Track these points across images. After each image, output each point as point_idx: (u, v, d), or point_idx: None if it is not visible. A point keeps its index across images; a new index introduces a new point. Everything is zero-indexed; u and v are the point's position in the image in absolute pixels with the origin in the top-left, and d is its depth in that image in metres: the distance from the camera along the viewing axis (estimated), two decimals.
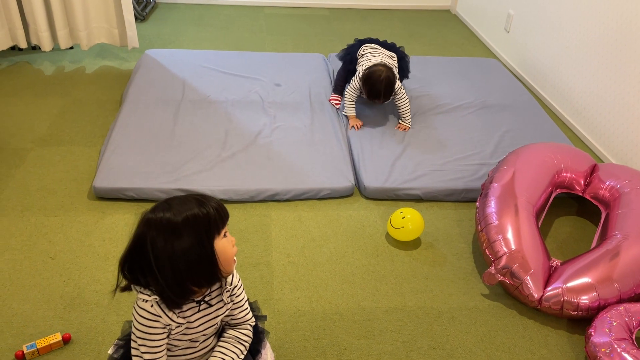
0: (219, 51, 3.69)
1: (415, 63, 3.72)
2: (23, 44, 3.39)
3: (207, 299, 1.32)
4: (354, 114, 2.91)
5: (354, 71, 2.98)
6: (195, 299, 1.30)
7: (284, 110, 2.98)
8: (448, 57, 3.93)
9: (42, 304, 1.83)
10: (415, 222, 2.17)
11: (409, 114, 2.87)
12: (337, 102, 3.07)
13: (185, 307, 1.28)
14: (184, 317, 1.28)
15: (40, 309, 1.81)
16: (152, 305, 1.22)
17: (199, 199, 1.22)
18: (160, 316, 1.23)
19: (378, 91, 2.74)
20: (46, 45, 3.38)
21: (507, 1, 3.94)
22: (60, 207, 2.28)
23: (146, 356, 1.26)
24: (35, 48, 3.62)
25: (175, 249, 1.17)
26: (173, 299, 1.22)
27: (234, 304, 1.39)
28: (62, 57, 3.59)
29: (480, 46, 4.32)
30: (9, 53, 3.57)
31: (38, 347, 1.63)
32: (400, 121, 2.90)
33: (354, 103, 2.91)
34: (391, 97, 2.82)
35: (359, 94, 2.91)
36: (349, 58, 3.06)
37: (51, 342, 1.65)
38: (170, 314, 1.25)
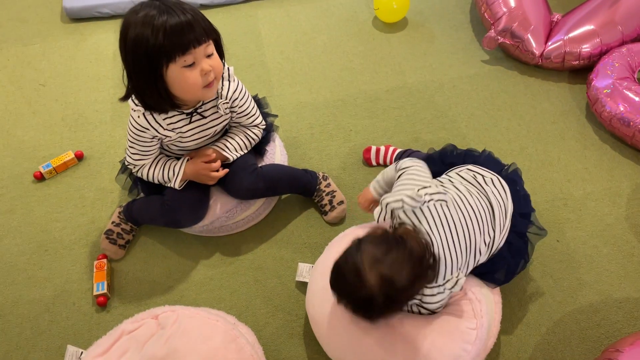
0: None
1: None
2: None
3: (199, 110, 1.29)
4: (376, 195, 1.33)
5: None
6: (185, 112, 1.27)
7: None
8: None
9: (46, 129, 1.83)
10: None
11: None
12: None
13: (175, 119, 1.27)
14: (173, 129, 1.28)
15: (45, 133, 1.82)
16: (139, 117, 1.24)
17: (168, 15, 1.08)
18: (147, 128, 1.26)
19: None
20: None
21: None
22: (37, 34, 2.16)
23: (135, 157, 1.34)
24: None
25: (127, 60, 1.14)
26: (149, 105, 1.21)
27: (237, 114, 1.37)
28: None
29: None
30: None
31: (54, 165, 1.66)
32: None
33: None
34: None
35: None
36: None
37: (65, 160, 1.68)
38: (156, 125, 1.25)
